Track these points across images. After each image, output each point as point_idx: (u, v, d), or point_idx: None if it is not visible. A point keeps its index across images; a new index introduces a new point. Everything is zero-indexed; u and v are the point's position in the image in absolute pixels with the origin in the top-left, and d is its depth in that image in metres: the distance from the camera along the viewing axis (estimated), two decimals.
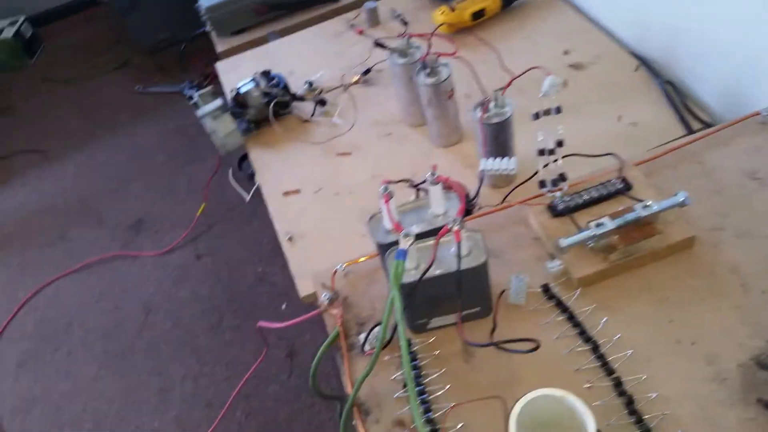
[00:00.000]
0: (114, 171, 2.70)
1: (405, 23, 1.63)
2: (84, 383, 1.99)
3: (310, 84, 1.52)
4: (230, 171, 2.43)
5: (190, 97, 1.38)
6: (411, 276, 0.80)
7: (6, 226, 2.62)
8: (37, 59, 3.49)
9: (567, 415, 0.69)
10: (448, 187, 0.85)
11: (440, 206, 0.86)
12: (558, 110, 0.91)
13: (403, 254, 0.74)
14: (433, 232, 0.83)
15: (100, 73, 3.24)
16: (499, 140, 1.07)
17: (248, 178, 2.28)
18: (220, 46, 1.93)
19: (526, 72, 1.05)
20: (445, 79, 1.17)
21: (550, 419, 0.70)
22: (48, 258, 2.42)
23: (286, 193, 1.33)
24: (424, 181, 0.87)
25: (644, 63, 1.35)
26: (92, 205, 2.57)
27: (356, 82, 1.50)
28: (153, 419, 1.85)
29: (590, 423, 0.65)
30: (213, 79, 2.86)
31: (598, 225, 0.86)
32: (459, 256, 0.76)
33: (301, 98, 1.48)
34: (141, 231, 2.40)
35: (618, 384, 0.79)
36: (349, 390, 0.86)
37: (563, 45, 1.44)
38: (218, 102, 1.39)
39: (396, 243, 0.82)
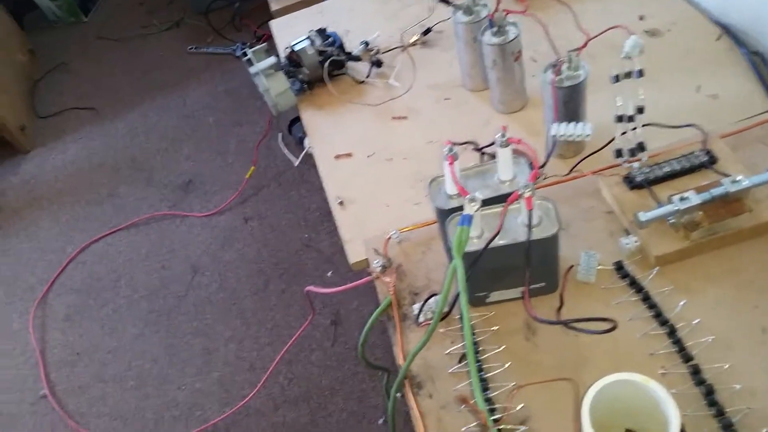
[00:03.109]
0: (164, 131, 2.69)
1: None
2: (129, 340, 1.99)
3: (366, 44, 1.46)
4: (280, 135, 2.39)
5: (244, 53, 1.33)
6: (474, 245, 0.74)
7: (57, 181, 2.63)
8: (92, 16, 3.49)
9: (645, 403, 0.62)
10: (517, 151, 0.78)
11: (508, 171, 0.79)
12: (640, 73, 0.83)
13: (469, 220, 0.68)
14: (500, 199, 0.77)
15: (152, 33, 3.22)
16: (570, 106, 1.00)
17: (297, 142, 2.24)
18: (275, 5, 1.87)
19: (604, 32, 0.97)
20: (513, 39, 1.09)
21: (627, 407, 0.64)
22: (97, 215, 2.43)
23: (338, 157, 1.28)
24: (491, 144, 0.80)
25: (727, 31, 1.25)
26: (142, 164, 2.57)
27: (415, 43, 1.43)
28: (195, 380, 1.84)
29: (673, 414, 0.59)
30: (265, 41, 2.83)
31: (682, 199, 0.79)
32: (530, 226, 0.70)
33: (357, 58, 1.42)
34: (190, 192, 2.38)
35: (696, 372, 0.73)
36: (401, 362, 0.82)
37: (639, 10, 1.35)
38: (272, 60, 1.34)
39: (457, 209, 0.77)
